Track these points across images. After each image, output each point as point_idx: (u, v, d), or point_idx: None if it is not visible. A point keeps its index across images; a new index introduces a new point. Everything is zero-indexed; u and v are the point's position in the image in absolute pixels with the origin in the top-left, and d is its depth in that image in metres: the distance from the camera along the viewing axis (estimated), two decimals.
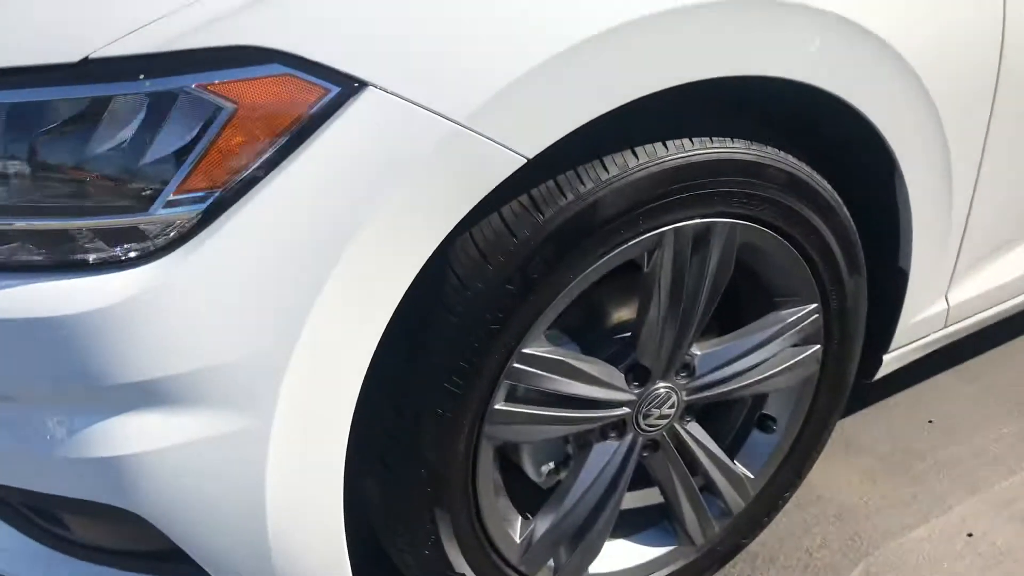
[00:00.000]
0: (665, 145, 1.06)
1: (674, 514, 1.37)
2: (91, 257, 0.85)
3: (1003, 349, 2.17)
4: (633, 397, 1.22)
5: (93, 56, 0.80)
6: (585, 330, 1.24)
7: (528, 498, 1.28)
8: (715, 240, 1.15)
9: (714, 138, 1.10)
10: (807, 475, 1.51)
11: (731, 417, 1.45)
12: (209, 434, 0.90)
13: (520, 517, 1.24)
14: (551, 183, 1.01)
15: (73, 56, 0.80)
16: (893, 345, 1.50)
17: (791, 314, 1.30)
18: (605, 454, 1.25)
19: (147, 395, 0.87)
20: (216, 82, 0.81)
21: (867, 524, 1.63)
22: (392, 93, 0.84)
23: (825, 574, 1.52)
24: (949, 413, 1.95)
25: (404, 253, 0.91)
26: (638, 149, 1.05)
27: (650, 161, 1.05)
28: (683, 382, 1.26)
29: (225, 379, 0.88)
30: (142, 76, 0.80)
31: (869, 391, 1.99)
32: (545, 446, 1.29)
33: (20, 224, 0.84)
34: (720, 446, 1.38)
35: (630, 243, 1.08)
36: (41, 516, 1.06)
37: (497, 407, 1.09)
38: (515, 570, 1.23)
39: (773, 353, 1.31)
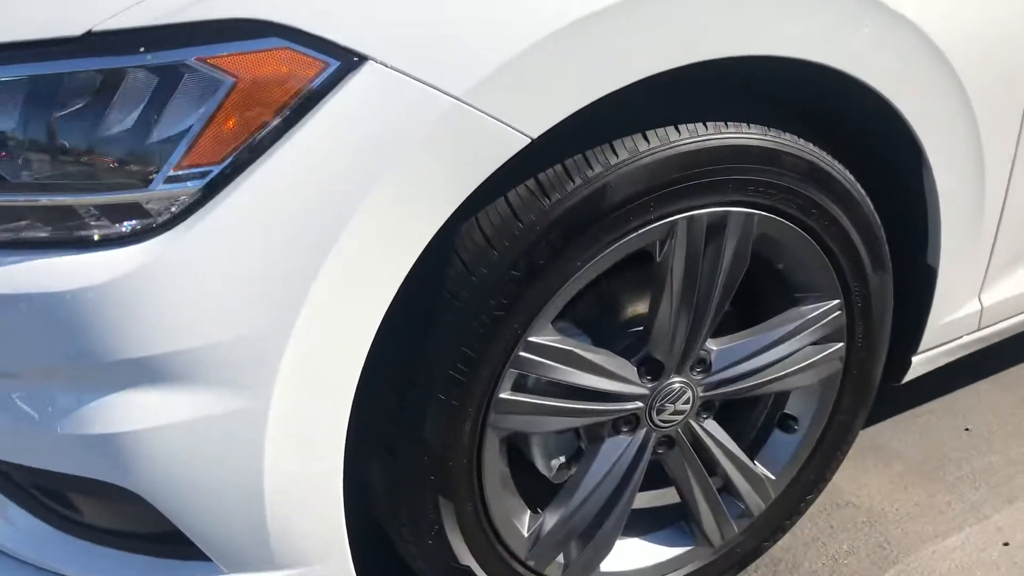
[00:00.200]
0: (678, 129, 1.04)
1: (691, 514, 1.34)
2: (95, 234, 0.85)
3: None
4: (646, 391, 1.19)
5: (96, 29, 0.81)
6: (598, 322, 1.22)
7: (539, 494, 1.25)
8: (730, 230, 1.12)
9: (729, 123, 1.07)
10: (831, 478, 1.47)
11: (752, 416, 1.41)
12: (208, 413, 0.89)
13: (529, 511, 1.22)
14: (559, 167, 1.00)
15: (76, 30, 0.81)
16: (922, 347, 1.45)
17: (812, 310, 1.26)
18: (617, 449, 1.22)
19: (147, 372, 0.87)
20: (216, 55, 0.81)
21: (897, 531, 1.58)
22: (392, 68, 0.83)
23: None
24: (986, 421, 1.87)
25: (406, 232, 0.90)
26: (649, 133, 1.03)
27: (662, 145, 1.03)
28: (699, 377, 1.23)
29: (224, 357, 0.87)
30: (143, 49, 0.81)
31: (901, 396, 1.93)
32: (556, 440, 1.27)
33: (23, 200, 0.85)
34: (740, 446, 1.35)
35: (641, 231, 1.06)
36: (47, 496, 1.07)
37: (503, 396, 1.07)
38: (523, 564, 1.21)
39: (793, 350, 1.27)
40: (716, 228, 1.12)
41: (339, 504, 1.00)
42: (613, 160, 1.01)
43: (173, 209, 0.84)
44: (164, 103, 0.83)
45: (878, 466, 1.75)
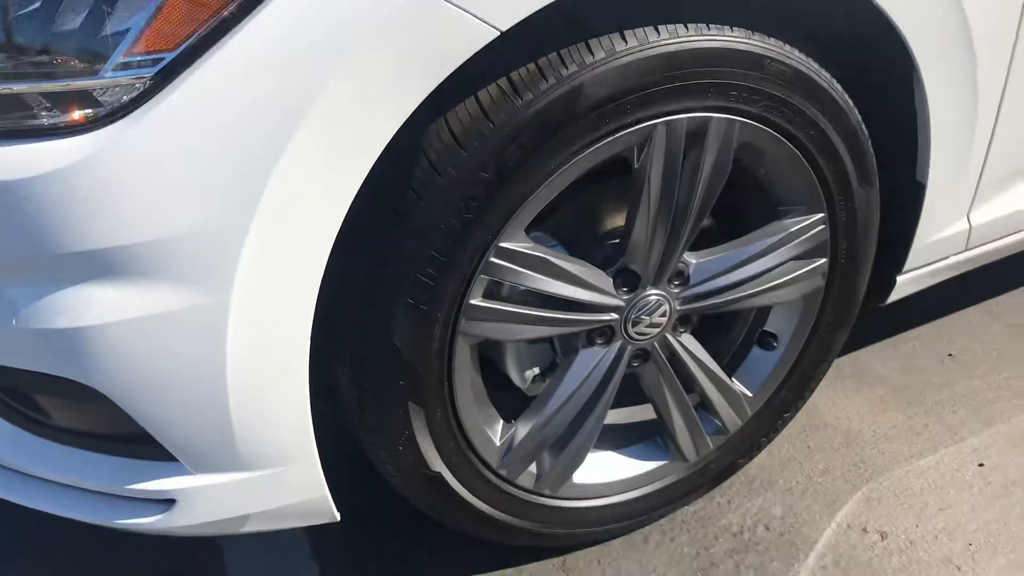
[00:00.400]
0: (657, 30, 1.00)
1: (665, 429, 1.34)
2: (45, 122, 0.83)
3: None
4: (621, 303, 1.18)
5: None
6: (574, 233, 1.20)
7: (514, 408, 1.25)
8: (711, 137, 1.09)
9: (711, 25, 1.03)
10: (810, 397, 1.47)
11: (731, 333, 1.40)
12: (166, 309, 0.88)
13: (501, 421, 1.21)
14: (532, 66, 0.96)
15: None
16: (908, 266, 1.43)
17: (794, 223, 1.24)
18: (591, 361, 1.21)
19: (103, 266, 0.85)
20: None
21: (873, 451, 1.58)
22: None
23: (824, 498, 1.48)
24: (971, 347, 1.87)
25: (369, 125, 0.87)
26: (627, 32, 0.99)
27: (640, 46, 0.99)
28: (676, 291, 1.21)
29: (181, 251, 0.85)
30: None
31: (887, 323, 1.93)
32: (530, 351, 1.26)
33: None
34: (719, 363, 1.34)
35: (617, 135, 1.03)
36: (16, 399, 1.07)
37: (473, 302, 1.06)
38: (495, 473, 1.22)
39: (774, 264, 1.25)
40: (696, 135, 1.08)
41: (306, 406, 1.00)
42: (589, 60, 0.97)
43: (124, 98, 0.81)
44: None
45: (859, 390, 1.75)
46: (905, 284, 1.47)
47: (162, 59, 0.81)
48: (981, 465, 1.55)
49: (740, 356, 1.40)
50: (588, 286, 1.13)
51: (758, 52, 1.06)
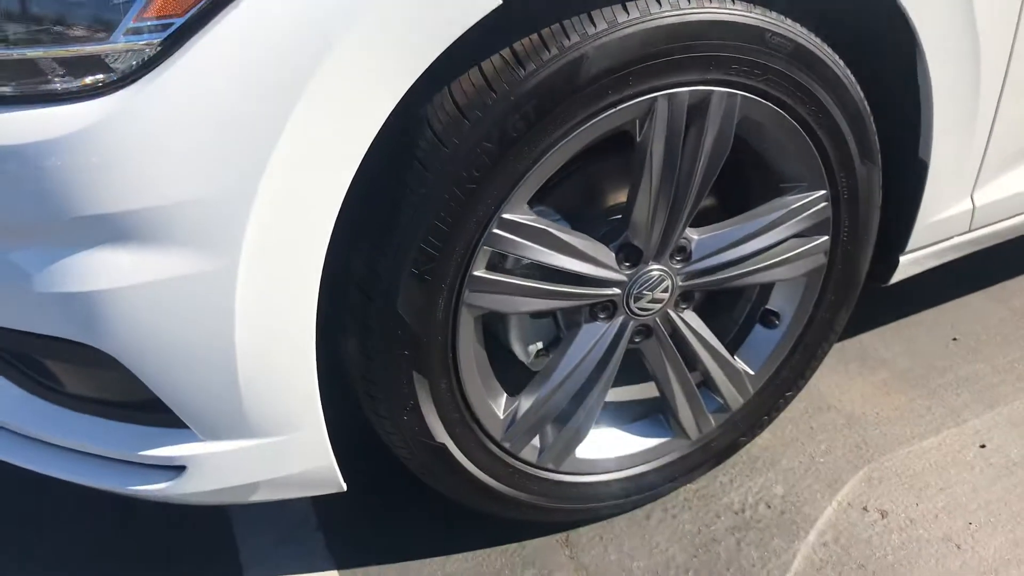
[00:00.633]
0: (659, 1, 1.01)
1: (667, 405, 1.35)
2: (58, 87, 0.85)
3: None
4: (623, 278, 1.19)
5: None
6: (578, 208, 1.21)
7: (518, 384, 1.26)
8: (712, 111, 1.10)
9: None
10: (811, 376, 1.47)
11: (734, 311, 1.41)
12: (177, 273, 0.90)
13: (505, 395, 1.23)
14: (535, 36, 0.97)
15: None
16: (911, 246, 1.43)
17: (796, 200, 1.25)
18: (594, 335, 1.22)
19: (114, 230, 0.87)
20: None
21: (875, 433, 1.59)
22: None
23: (826, 478, 1.49)
24: (974, 332, 1.87)
25: (374, 91, 0.88)
26: (629, 4, 1.00)
27: (641, 17, 1.00)
28: (678, 266, 1.23)
29: (190, 216, 0.87)
30: None
31: (891, 307, 1.93)
32: (533, 326, 1.27)
33: None
34: (722, 341, 1.35)
35: (619, 107, 1.04)
36: (30, 367, 1.09)
37: (477, 274, 1.07)
38: (498, 446, 1.23)
39: (776, 241, 1.26)
40: (698, 109, 1.09)
41: (312, 374, 1.01)
42: (591, 30, 0.98)
43: (135, 63, 0.83)
44: None
45: (863, 373, 1.76)
46: (908, 264, 1.48)
47: (171, 24, 0.82)
48: (983, 446, 1.55)
49: (742, 334, 1.41)
50: (590, 260, 1.14)
51: (759, 25, 1.07)
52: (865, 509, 1.43)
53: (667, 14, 1.01)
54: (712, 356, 1.34)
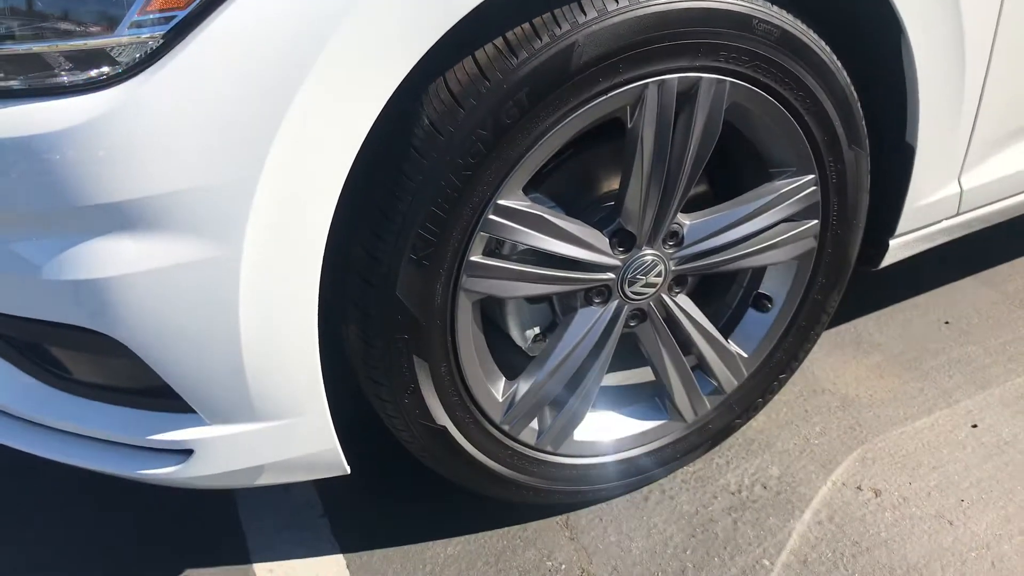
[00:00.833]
0: None
1: (663, 388, 1.38)
2: (65, 80, 0.87)
3: None
4: (617, 263, 1.21)
5: None
6: (573, 195, 1.24)
7: (518, 370, 1.29)
8: (701, 97, 1.12)
9: None
10: (804, 358, 1.50)
11: (727, 295, 1.44)
12: (182, 260, 0.92)
13: (504, 378, 1.26)
14: (526, 25, 1.00)
15: None
16: (900, 229, 1.46)
17: (785, 185, 1.27)
18: (589, 319, 1.25)
19: (121, 219, 0.90)
20: None
21: (869, 414, 1.62)
22: None
23: (820, 458, 1.52)
24: (967, 315, 1.90)
25: (371, 80, 0.91)
26: None
27: (630, 6, 1.03)
28: (671, 251, 1.25)
29: (194, 204, 0.90)
30: None
31: (884, 292, 1.96)
32: (530, 311, 1.30)
33: None
34: (715, 325, 1.38)
35: (610, 94, 1.06)
36: (38, 355, 1.12)
37: (474, 259, 1.10)
38: (498, 429, 1.26)
39: (766, 225, 1.29)
40: (687, 95, 1.12)
41: (315, 359, 1.04)
42: (581, 19, 1.01)
43: (139, 56, 0.86)
44: None
45: (857, 356, 1.78)
46: (898, 248, 1.50)
47: (174, 17, 0.85)
48: (975, 426, 1.58)
49: (736, 318, 1.44)
50: (584, 245, 1.17)
51: (746, 12, 1.10)
52: (859, 488, 1.46)
53: (656, 2, 1.04)
54: (706, 340, 1.36)
